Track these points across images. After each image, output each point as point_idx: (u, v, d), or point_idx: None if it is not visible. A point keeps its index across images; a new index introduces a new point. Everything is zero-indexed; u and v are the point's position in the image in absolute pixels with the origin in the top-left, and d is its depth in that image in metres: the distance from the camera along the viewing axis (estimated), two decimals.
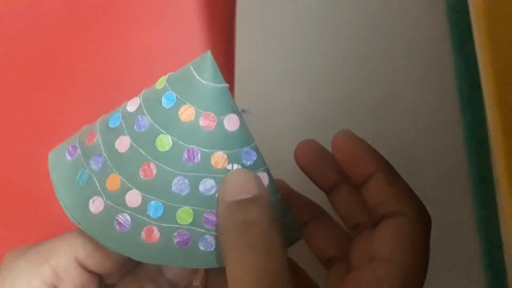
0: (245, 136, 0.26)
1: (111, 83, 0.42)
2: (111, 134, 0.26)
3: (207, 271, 0.28)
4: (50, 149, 0.28)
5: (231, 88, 0.39)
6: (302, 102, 0.40)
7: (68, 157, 0.27)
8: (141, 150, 0.25)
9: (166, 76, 0.26)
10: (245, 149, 0.26)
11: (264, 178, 0.26)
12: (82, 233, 0.26)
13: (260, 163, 0.26)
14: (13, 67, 0.43)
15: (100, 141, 0.26)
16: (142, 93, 0.27)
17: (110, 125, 0.26)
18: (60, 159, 0.27)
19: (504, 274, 0.36)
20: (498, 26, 0.36)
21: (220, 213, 0.25)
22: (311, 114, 0.40)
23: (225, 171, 0.25)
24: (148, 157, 0.25)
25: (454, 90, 0.39)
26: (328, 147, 0.28)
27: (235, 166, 0.26)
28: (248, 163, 0.26)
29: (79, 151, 0.26)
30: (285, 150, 0.30)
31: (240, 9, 0.42)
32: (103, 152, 0.26)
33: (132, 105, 0.26)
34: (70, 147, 0.27)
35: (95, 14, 0.43)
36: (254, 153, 0.26)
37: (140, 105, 0.26)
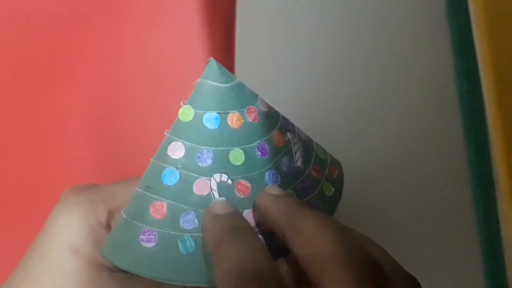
0: (275, 111, 0.27)
1: (112, 83, 0.42)
2: (180, 189, 0.24)
3: None
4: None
5: None
6: (302, 102, 0.40)
7: (148, 244, 0.24)
8: (228, 181, 0.24)
9: (186, 106, 0.25)
10: (282, 119, 0.27)
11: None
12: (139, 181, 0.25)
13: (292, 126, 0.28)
14: (13, 67, 0.43)
15: (174, 202, 0.24)
16: (172, 138, 0.25)
17: (169, 183, 0.24)
18: (136, 253, 0.24)
19: (504, 274, 0.36)
20: (498, 26, 0.36)
21: None
22: (311, 114, 0.40)
23: (289, 142, 0.26)
24: (238, 178, 0.24)
25: (454, 90, 0.39)
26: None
27: (291, 135, 0.26)
28: (296, 130, 0.27)
29: (157, 230, 0.24)
30: None
31: (240, 9, 0.42)
32: (190, 209, 0.24)
33: (176, 152, 0.24)
34: (139, 236, 0.24)
35: (95, 14, 0.43)
36: (290, 121, 0.27)
37: (185, 144, 0.24)
